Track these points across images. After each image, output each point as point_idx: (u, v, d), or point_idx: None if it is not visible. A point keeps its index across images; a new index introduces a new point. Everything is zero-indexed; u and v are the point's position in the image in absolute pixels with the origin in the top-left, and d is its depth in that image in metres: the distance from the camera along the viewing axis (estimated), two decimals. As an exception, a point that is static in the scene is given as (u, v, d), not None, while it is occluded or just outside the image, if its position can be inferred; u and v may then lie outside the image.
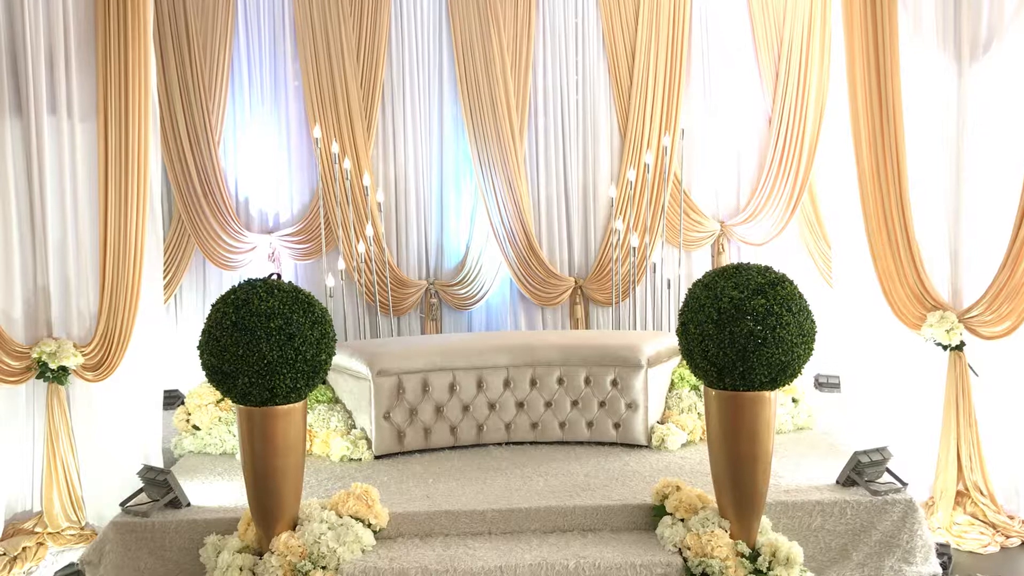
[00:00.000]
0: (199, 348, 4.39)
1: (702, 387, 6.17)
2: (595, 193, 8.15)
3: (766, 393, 4.38)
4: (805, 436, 6.15)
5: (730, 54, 8.06)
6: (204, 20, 7.83)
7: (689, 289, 4.48)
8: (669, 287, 7.88)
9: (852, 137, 5.96)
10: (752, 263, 4.43)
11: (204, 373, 4.42)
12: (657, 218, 7.96)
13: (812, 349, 4.37)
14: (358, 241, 7.76)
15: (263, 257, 8.07)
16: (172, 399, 7.36)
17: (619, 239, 7.83)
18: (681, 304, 4.49)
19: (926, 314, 5.63)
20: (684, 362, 6.34)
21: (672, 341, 6.34)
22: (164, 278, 7.92)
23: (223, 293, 4.43)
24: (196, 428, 6.24)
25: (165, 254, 7.93)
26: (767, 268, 4.40)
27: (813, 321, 4.36)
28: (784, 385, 4.38)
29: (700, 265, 8.24)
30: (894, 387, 5.93)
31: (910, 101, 5.71)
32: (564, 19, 8.07)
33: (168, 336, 7.94)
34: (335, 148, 7.69)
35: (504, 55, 7.89)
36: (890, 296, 5.80)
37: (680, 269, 8.00)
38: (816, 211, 8.05)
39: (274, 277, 6.44)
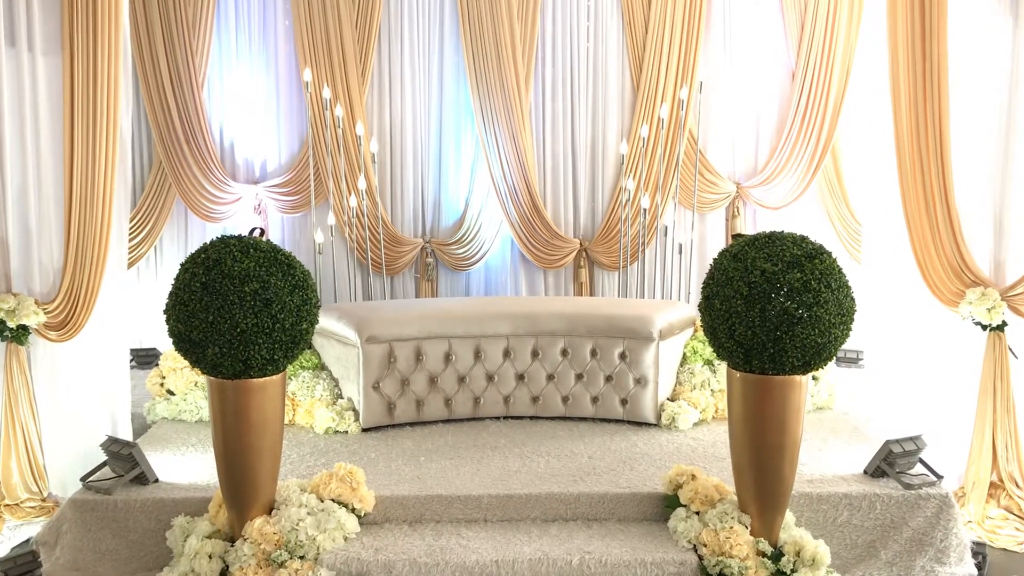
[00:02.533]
0: (165, 312, 3.92)
1: (717, 363, 5.76)
2: (604, 149, 7.66)
3: (797, 377, 3.93)
4: (826, 417, 5.72)
5: (753, 3, 7.51)
6: (188, -48, 7.26)
7: (715, 259, 4.01)
8: (680, 252, 7.41)
9: (891, 94, 5.44)
10: (787, 232, 3.96)
11: (171, 341, 3.96)
12: (670, 177, 7.46)
13: (850, 330, 3.92)
14: (350, 194, 7.26)
15: (249, 209, 7.59)
16: (149, 358, 6.94)
17: (628, 198, 7.33)
18: (705, 275, 4.02)
19: (965, 290, 5.16)
20: (697, 334, 5.93)
21: (685, 312, 5.89)
22: (143, 229, 7.50)
23: (193, 251, 3.95)
24: (170, 393, 5.79)
25: (144, 203, 7.49)
26: (803, 238, 3.93)
27: (853, 299, 3.91)
28: (818, 369, 3.94)
29: (713, 229, 7.78)
30: (924, 368, 5.49)
31: (957, 56, 5.19)
32: (576, -41, 7.50)
33: (146, 291, 7.50)
34: (327, 93, 7.16)
35: (511, -1, 7.33)
36: (925, 269, 5.33)
37: (692, 233, 7.52)
38: (838, 174, 7.59)
39: (256, 233, 5.99)
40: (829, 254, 3.89)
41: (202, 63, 7.38)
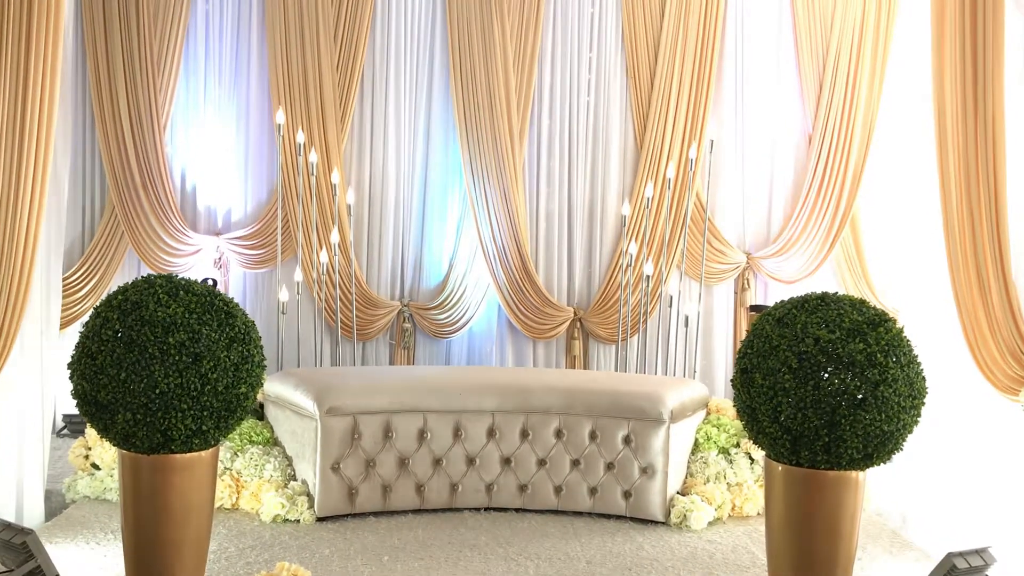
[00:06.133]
0: (69, 367, 3.14)
1: (734, 452, 5.01)
2: (603, 211, 6.99)
3: (854, 473, 3.19)
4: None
5: (768, 59, 6.97)
6: (157, -19, 6.67)
7: (754, 324, 3.29)
8: (687, 325, 6.68)
9: (937, 154, 4.86)
10: (842, 294, 3.27)
11: (75, 402, 3.17)
12: (675, 243, 6.79)
13: (920, 415, 3.19)
14: (320, 249, 6.52)
15: (208, 262, 6.83)
16: (81, 426, 6.09)
17: (629, 263, 6.63)
18: (741, 344, 3.29)
19: (1025, 376, 4.46)
20: (710, 418, 5.18)
21: (698, 391, 5.14)
22: (91, 280, 6.75)
23: (109, 292, 3.20)
24: (96, 467, 4.95)
25: (93, 251, 6.74)
26: (862, 301, 3.25)
27: (924, 377, 3.20)
28: (881, 463, 3.20)
29: (720, 302, 7.08)
30: (974, 463, 4.78)
31: (1015, 106, 4.61)
32: (579, 8, 6.95)
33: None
34: (300, 138, 6.48)
35: (506, 45, 6.75)
36: (977, 352, 4.66)
37: (699, 305, 6.81)
38: (858, 246, 6.96)
39: (209, 284, 5.22)
40: (894, 322, 3.19)
41: (166, 102, 6.72)
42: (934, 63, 4.91)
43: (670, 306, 6.70)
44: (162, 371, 2.97)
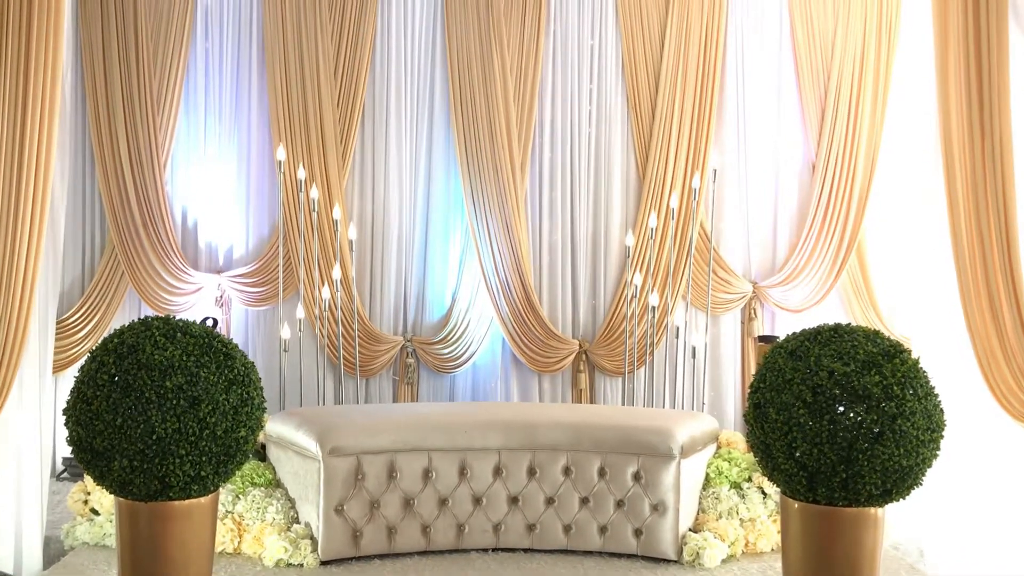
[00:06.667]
0: (65, 413, 3.07)
1: (746, 486, 4.90)
2: (606, 242, 6.93)
3: (873, 510, 3.09)
4: (877, 554, 4.80)
5: (769, 86, 6.93)
6: (157, 21, 6.68)
7: (766, 357, 3.22)
8: (694, 356, 6.60)
9: (945, 177, 4.78)
10: (855, 325, 3.19)
11: (71, 448, 3.09)
12: (680, 273, 6.72)
13: (939, 448, 3.11)
14: (323, 285, 6.46)
15: (210, 300, 6.77)
16: (81, 470, 5.99)
17: (634, 294, 6.55)
18: (754, 378, 3.21)
19: (1041, 403, 4.37)
20: (721, 452, 5.08)
21: (708, 424, 5.04)
22: (90, 321, 6.70)
23: (106, 336, 3.13)
24: (95, 512, 4.85)
25: (94, 291, 6.70)
26: (876, 332, 3.18)
27: (942, 409, 3.12)
28: (900, 499, 3.11)
29: (727, 332, 6.99)
30: (992, 493, 4.65)
31: (1022, 127, 4.57)
32: (578, 40, 6.92)
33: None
34: (301, 174, 6.44)
35: (507, 78, 6.73)
36: (991, 378, 4.56)
37: (706, 336, 6.73)
38: (864, 273, 6.90)
39: (209, 324, 5.17)
40: (909, 353, 3.12)
41: (166, 141, 6.70)
42: (939, 87, 4.87)
43: (676, 337, 6.62)
44: (159, 416, 2.90)
